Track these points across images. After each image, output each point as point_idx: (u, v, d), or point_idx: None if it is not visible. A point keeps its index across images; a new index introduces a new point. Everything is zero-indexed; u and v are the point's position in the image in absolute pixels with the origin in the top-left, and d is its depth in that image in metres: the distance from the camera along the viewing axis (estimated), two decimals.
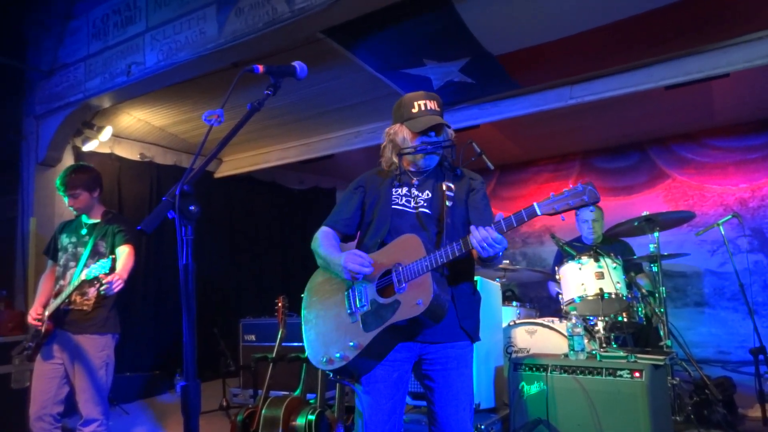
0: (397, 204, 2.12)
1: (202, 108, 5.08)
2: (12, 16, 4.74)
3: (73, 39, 4.54)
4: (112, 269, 2.74)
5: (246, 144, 6.15)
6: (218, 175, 6.57)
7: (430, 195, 2.12)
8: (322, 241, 2.17)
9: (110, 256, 2.74)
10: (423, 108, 2.10)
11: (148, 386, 5.36)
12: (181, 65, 3.88)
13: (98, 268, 2.68)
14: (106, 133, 4.96)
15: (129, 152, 5.66)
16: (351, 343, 1.96)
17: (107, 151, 5.37)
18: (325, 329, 2.08)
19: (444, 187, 2.09)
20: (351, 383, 2.09)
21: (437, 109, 2.13)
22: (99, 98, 4.41)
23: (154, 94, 4.58)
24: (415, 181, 2.16)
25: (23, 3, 4.74)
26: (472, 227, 1.84)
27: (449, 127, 2.14)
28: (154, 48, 4.00)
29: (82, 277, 2.74)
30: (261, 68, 1.63)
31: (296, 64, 1.74)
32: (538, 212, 1.80)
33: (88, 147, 4.98)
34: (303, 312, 2.18)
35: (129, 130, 5.50)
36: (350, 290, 2.04)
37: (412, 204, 2.11)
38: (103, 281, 2.75)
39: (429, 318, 1.88)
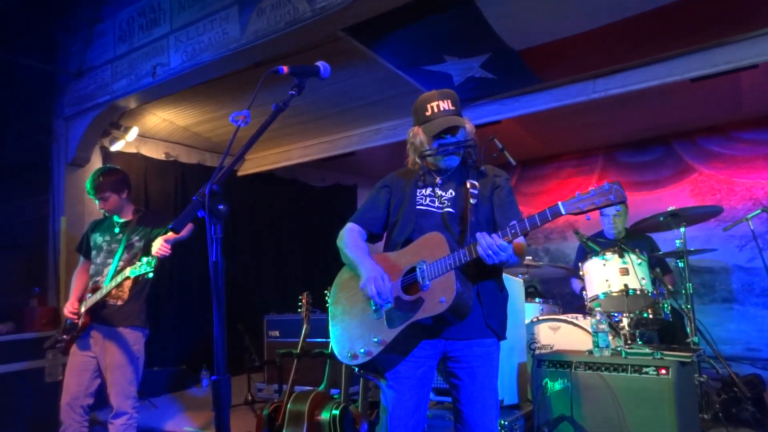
0: (422, 204, 2.13)
1: (225, 107, 5.15)
2: (42, 20, 4.86)
3: (100, 42, 4.64)
4: (157, 267, 2.86)
5: (268, 142, 6.22)
6: (241, 173, 6.66)
7: (453, 194, 2.12)
8: (349, 240, 2.19)
9: (156, 257, 2.86)
10: (436, 110, 2.09)
11: (175, 381, 5.47)
12: (204, 66, 3.94)
13: (144, 266, 2.80)
14: (133, 133, 5.06)
15: (154, 152, 5.76)
16: (375, 339, 1.98)
17: (133, 150, 5.48)
18: (350, 325, 2.11)
19: (468, 185, 2.09)
20: (376, 378, 2.12)
21: (451, 108, 2.10)
22: (125, 99, 4.50)
23: (178, 95, 4.66)
24: (438, 180, 2.16)
25: (53, 8, 4.86)
26: (478, 234, 1.84)
27: (465, 126, 2.11)
28: (178, 49, 4.07)
29: (127, 273, 2.85)
30: (286, 69, 1.65)
31: (320, 64, 1.76)
32: (563, 212, 1.79)
33: (116, 147, 5.09)
34: (330, 307, 2.22)
35: (154, 130, 5.61)
36: None
37: (437, 204, 2.12)
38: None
39: (453, 315, 1.89)
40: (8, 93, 4.57)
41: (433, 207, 2.12)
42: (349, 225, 2.24)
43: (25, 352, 4.02)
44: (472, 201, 2.05)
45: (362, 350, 2.01)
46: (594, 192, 1.76)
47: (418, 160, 2.17)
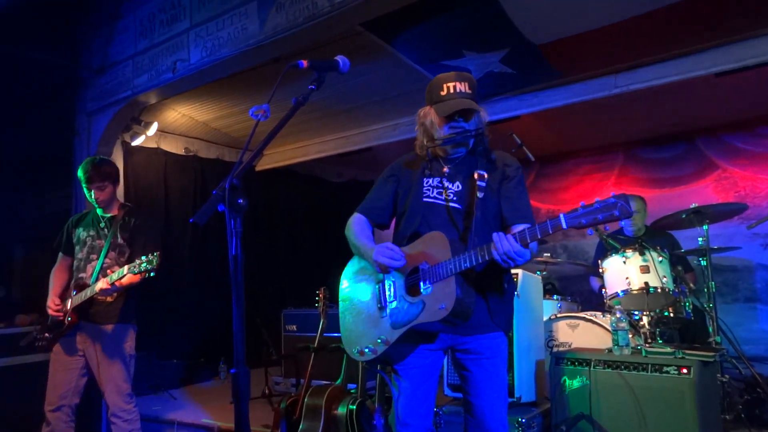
0: (429, 196, 2.09)
1: (243, 103, 5.19)
2: (65, 17, 4.94)
3: (121, 38, 4.70)
4: (158, 265, 2.75)
5: (286, 138, 6.24)
6: (259, 168, 6.70)
7: (460, 187, 2.07)
8: (355, 228, 2.18)
9: (155, 253, 2.74)
10: (452, 90, 2.01)
11: (194, 373, 5.55)
12: (223, 61, 3.96)
13: (145, 264, 2.71)
14: (153, 128, 5.12)
15: (174, 147, 5.82)
16: (379, 339, 2.00)
17: (153, 146, 5.55)
18: (358, 320, 2.12)
19: (476, 176, 2.02)
20: (383, 372, 2.14)
21: (468, 91, 2.02)
22: (146, 95, 4.55)
23: (198, 90, 4.69)
24: (446, 169, 2.11)
25: (74, 4, 4.93)
26: (495, 237, 1.76)
27: (479, 111, 2.03)
28: (197, 45, 4.10)
29: (125, 271, 2.77)
30: (305, 63, 1.65)
31: (339, 58, 1.76)
32: (564, 225, 1.69)
33: (136, 142, 5.16)
34: (339, 299, 2.23)
35: (174, 125, 5.67)
36: (381, 284, 2.07)
37: (443, 196, 2.07)
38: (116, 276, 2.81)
39: (454, 318, 1.89)
40: (32, 89, 4.66)
41: (440, 200, 2.08)
42: (356, 216, 2.23)
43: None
44: (479, 194, 1.98)
45: (367, 349, 2.04)
46: (598, 205, 1.65)
47: (426, 142, 2.11)
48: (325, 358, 3.81)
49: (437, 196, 2.08)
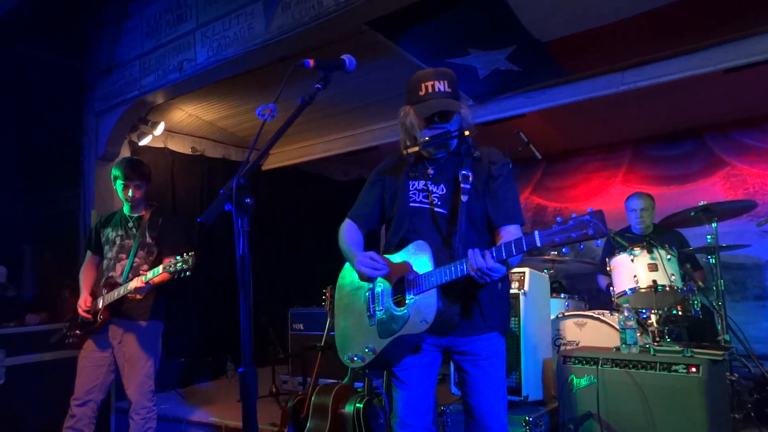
0: (415, 201, 2.06)
1: (249, 102, 5.20)
2: (72, 18, 4.96)
3: (128, 38, 4.72)
4: (193, 265, 2.81)
5: (292, 137, 6.25)
6: (265, 167, 6.71)
7: (444, 190, 2.03)
8: (345, 235, 2.20)
9: (190, 253, 2.81)
10: (430, 90, 1.96)
11: (201, 372, 5.57)
12: (230, 61, 3.97)
13: (181, 264, 2.78)
14: (160, 128, 5.14)
15: (181, 146, 5.84)
16: (367, 349, 2.02)
17: (161, 145, 5.57)
18: (350, 326, 2.14)
19: (460, 178, 1.97)
20: (376, 378, 2.15)
21: (447, 89, 1.96)
22: (153, 95, 4.57)
23: (204, 90, 4.71)
24: (430, 171, 2.07)
25: (82, 5, 4.96)
26: (469, 254, 1.73)
27: (461, 111, 1.99)
28: (204, 45, 4.11)
29: (160, 270, 2.83)
30: (312, 63, 1.65)
31: (345, 57, 1.76)
32: (538, 243, 1.65)
33: (144, 142, 5.18)
34: (335, 303, 2.26)
35: (181, 124, 5.69)
36: (371, 292, 2.07)
37: (428, 200, 2.04)
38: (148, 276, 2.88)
39: (440, 328, 1.88)
40: (40, 89, 4.69)
41: (425, 204, 2.05)
42: (347, 222, 2.24)
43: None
44: (463, 198, 1.93)
45: (357, 357, 2.06)
46: (572, 223, 1.61)
47: (408, 143, 2.09)
48: (332, 356, 3.79)
49: (423, 200, 2.05)
